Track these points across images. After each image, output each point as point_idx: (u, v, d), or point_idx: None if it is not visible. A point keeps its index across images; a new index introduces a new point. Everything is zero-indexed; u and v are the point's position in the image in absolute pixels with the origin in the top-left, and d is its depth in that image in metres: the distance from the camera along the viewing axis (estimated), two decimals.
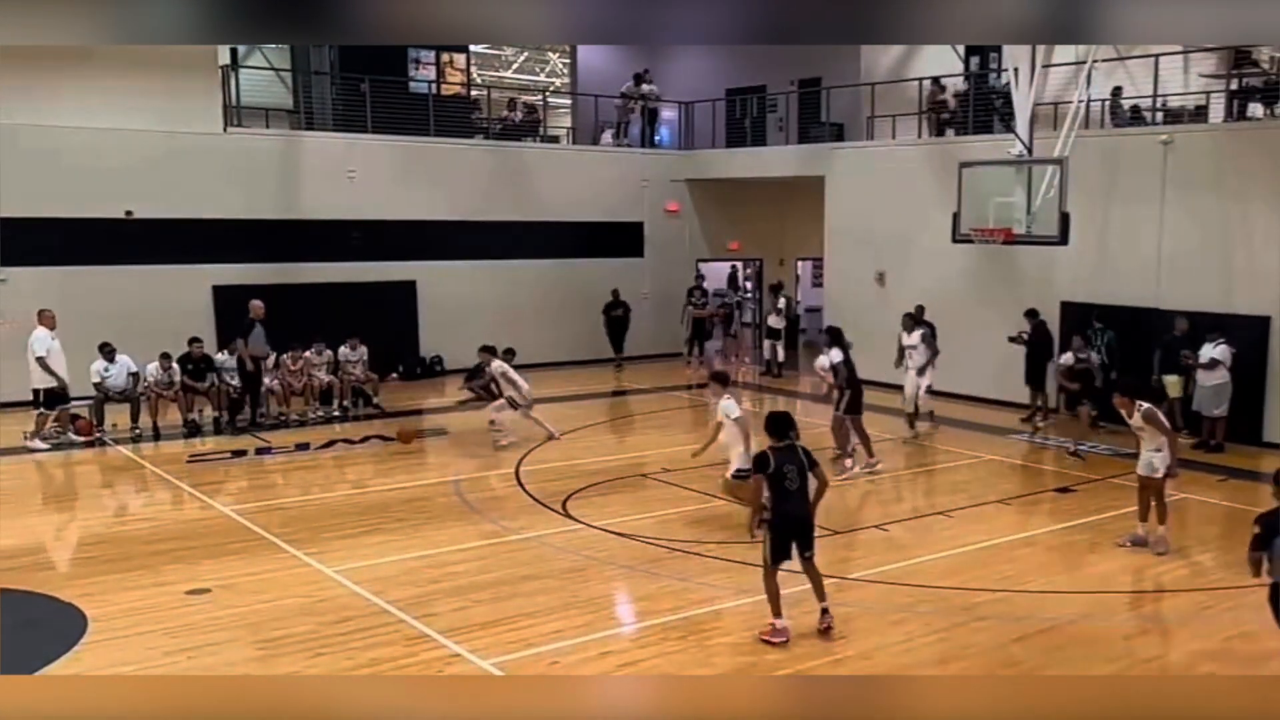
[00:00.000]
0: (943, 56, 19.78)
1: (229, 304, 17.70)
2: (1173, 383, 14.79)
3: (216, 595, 8.97)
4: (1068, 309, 16.72)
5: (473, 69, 27.66)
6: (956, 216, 15.89)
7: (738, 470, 10.61)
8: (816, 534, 8.22)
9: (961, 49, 19.54)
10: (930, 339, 15.65)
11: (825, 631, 8.06)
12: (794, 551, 7.98)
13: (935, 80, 20.03)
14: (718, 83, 24.81)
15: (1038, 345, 16.56)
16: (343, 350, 17.18)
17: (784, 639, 7.85)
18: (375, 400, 17.37)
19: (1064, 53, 17.17)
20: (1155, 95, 17.16)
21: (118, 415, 15.43)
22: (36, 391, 14.62)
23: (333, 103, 20.68)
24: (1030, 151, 15.33)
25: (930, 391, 15.76)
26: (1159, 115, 17.48)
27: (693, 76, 25.74)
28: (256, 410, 16.07)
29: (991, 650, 7.94)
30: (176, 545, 10.40)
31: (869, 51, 21.71)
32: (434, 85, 22.14)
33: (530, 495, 12.30)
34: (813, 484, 8.11)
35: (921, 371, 15.51)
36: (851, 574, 9.50)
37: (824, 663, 7.67)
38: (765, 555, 7.94)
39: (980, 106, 18.97)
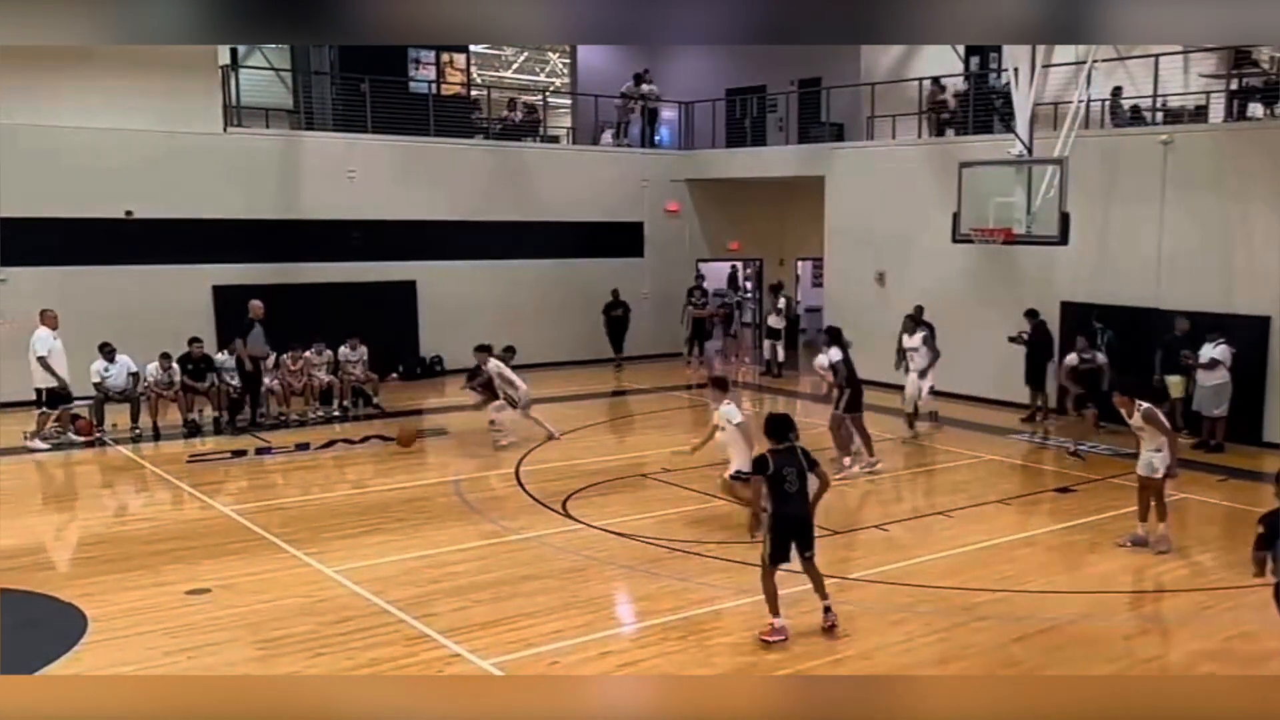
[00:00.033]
0: (943, 56, 19.79)
1: (229, 304, 17.70)
2: (1175, 383, 14.78)
3: (216, 595, 8.97)
4: (1068, 309, 16.72)
5: (473, 69, 27.66)
6: (956, 216, 15.90)
7: (737, 472, 10.61)
8: (816, 534, 8.22)
9: (961, 49, 19.54)
10: (931, 341, 15.64)
11: (829, 629, 8.07)
12: (793, 553, 7.98)
13: (935, 80, 20.04)
14: (718, 83, 24.81)
15: (1038, 345, 16.57)
16: (343, 350, 17.18)
17: (783, 638, 7.85)
18: (375, 400, 17.38)
19: (1064, 53, 17.18)
20: (1155, 95, 17.16)
21: (118, 415, 15.43)
22: (39, 391, 14.63)
23: (333, 103, 20.68)
24: (1030, 151, 15.33)
25: (932, 392, 15.74)
26: (1159, 115, 17.48)
27: (693, 76, 25.74)
28: (257, 410, 16.08)
29: (991, 650, 7.94)
30: (176, 545, 10.41)
31: (869, 51, 21.72)
32: (434, 85, 22.15)
33: (530, 495, 12.30)
34: (813, 485, 8.11)
35: (924, 374, 15.47)
36: (851, 574, 9.50)
37: (824, 663, 7.67)
38: (764, 556, 7.95)
39: (980, 106, 18.97)
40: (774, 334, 21.81)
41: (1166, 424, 10.19)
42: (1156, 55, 16.61)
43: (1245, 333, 14.62)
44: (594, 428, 16.68)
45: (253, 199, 18.90)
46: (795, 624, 8.12)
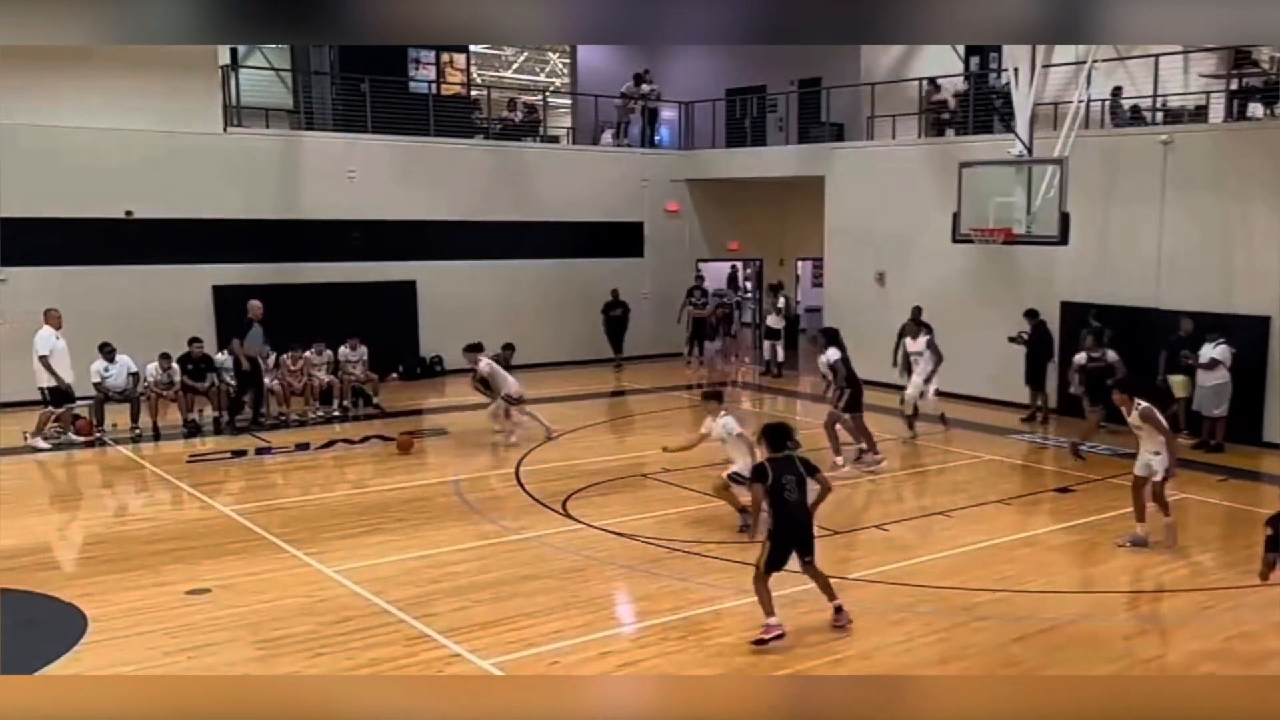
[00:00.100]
0: (943, 56, 19.79)
1: (229, 304, 17.69)
2: (1179, 383, 14.77)
3: (216, 595, 8.97)
4: (1068, 309, 16.73)
5: (473, 69, 27.67)
6: (956, 216, 15.89)
7: (735, 473, 10.63)
8: (816, 534, 8.23)
9: (961, 49, 19.55)
10: (935, 344, 15.54)
11: (842, 628, 8.09)
12: (792, 558, 7.98)
13: (931, 80, 20.06)
14: (718, 83, 24.81)
15: (1038, 345, 16.57)
16: (343, 350, 17.18)
17: (779, 634, 7.84)
18: (375, 400, 17.37)
19: (1064, 53, 17.18)
20: (1155, 95, 17.17)
21: (118, 415, 15.43)
22: (43, 390, 14.64)
23: (333, 103, 20.68)
24: (1030, 151, 15.33)
25: (937, 393, 15.67)
26: (1159, 115, 17.49)
27: (693, 76, 25.74)
28: (259, 410, 16.09)
29: (991, 650, 7.94)
30: (176, 545, 10.40)
31: (869, 51, 21.71)
32: (434, 85, 22.14)
33: (530, 495, 12.30)
34: (813, 491, 8.12)
35: (929, 379, 15.39)
36: (852, 574, 9.50)
37: (824, 663, 7.67)
38: (760, 561, 7.94)
39: (980, 106, 18.98)
40: (773, 334, 21.81)
41: (1165, 424, 10.19)
42: (1156, 55, 16.62)
43: (1245, 333, 14.62)
44: (594, 428, 16.67)
45: (253, 199, 18.90)
46: (795, 624, 8.13)
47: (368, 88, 20.21)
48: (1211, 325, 14.59)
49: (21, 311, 15.88)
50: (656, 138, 25.07)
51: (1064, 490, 12.71)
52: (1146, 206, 15.93)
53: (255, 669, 7.59)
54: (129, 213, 17.81)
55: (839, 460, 13.34)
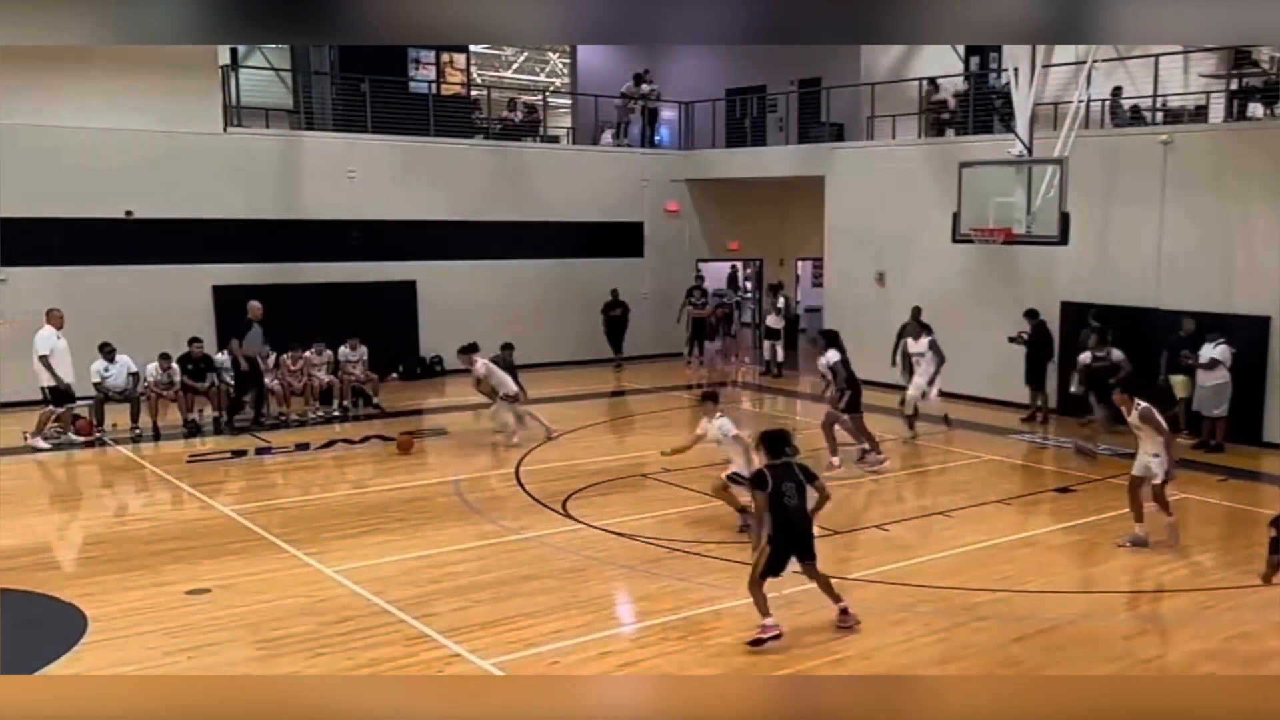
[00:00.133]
0: (943, 56, 19.80)
1: (229, 304, 17.70)
2: (1180, 383, 14.76)
3: (216, 595, 8.97)
4: (1068, 309, 16.73)
5: (473, 69, 27.67)
6: (956, 216, 15.89)
7: (734, 474, 10.63)
8: (817, 534, 8.24)
9: (961, 49, 19.55)
10: (938, 345, 15.48)
11: (848, 628, 8.10)
12: (790, 563, 7.98)
13: (930, 81, 20.06)
14: (718, 83, 24.81)
15: (1038, 345, 16.56)
16: (343, 350, 17.18)
17: (775, 634, 7.83)
18: (375, 400, 17.38)
19: (1064, 53, 17.18)
20: (1155, 95, 17.17)
21: (118, 415, 15.43)
22: (44, 389, 14.65)
23: (333, 103, 20.68)
24: (1030, 151, 15.33)
25: (940, 394, 15.62)
26: (1159, 115, 17.50)
27: (693, 76, 25.74)
28: (260, 410, 16.09)
29: (992, 650, 7.94)
30: (176, 545, 10.40)
31: (869, 51, 21.71)
32: (434, 85, 22.14)
33: (530, 495, 12.30)
34: (812, 497, 8.12)
35: (932, 380, 15.31)
36: (852, 574, 9.50)
37: (824, 663, 7.67)
38: (758, 566, 7.93)
39: (980, 106, 18.98)
40: (773, 334, 21.81)
41: (1164, 426, 10.18)
42: (1156, 55, 16.62)
43: (1245, 333, 14.62)
44: (594, 428, 16.68)
45: (253, 199, 18.90)
46: (794, 624, 8.13)
47: (368, 88, 20.21)
48: (1211, 325, 14.59)
49: (21, 311, 15.89)
50: (656, 138, 25.07)
51: (1064, 490, 12.72)
52: (1146, 206, 15.93)
53: (255, 669, 7.59)
54: (129, 213, 17.81)
55: (835, 460, 13.36)
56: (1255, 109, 17.22)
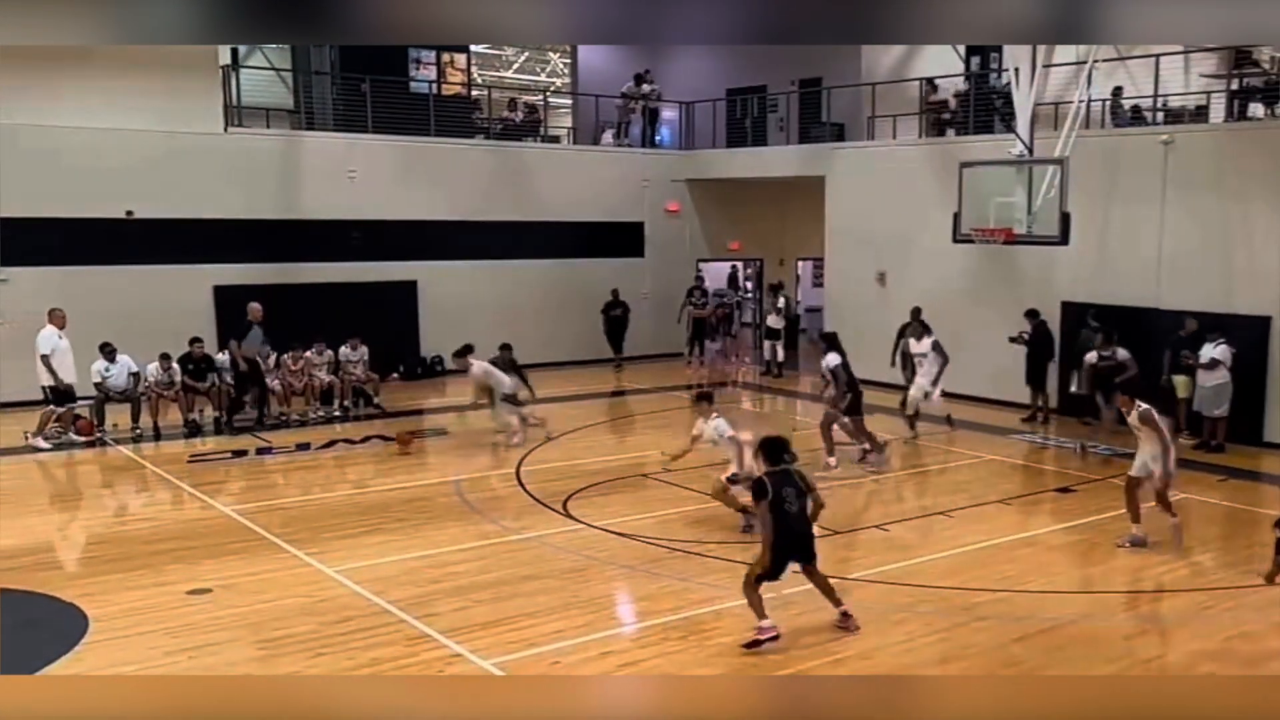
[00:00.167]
0: (943, 56, 19.80)
1: (229, 304, 17.70)
2: (1182, 383, 14.75)
3: (217, 595, 8.97)
4: (1068, 309, 16.73)
5: (473, 69, 27.68)
6: (957, 216, 15.89)
7: (733, 475, 10.63)
8: (817, 534, 8.24)
9: (962, 49, 19.56)
10: (941, 346, 15.45)
11: (847, 629, 8.10)
12: (790, 566, 7.98)
13: (929, 81, 20.06)
14: (718, 83, 24.81)
15: (1038, 345, 16.55)
16: (343, 350, 17.18)
17: (773, 635, 7.83)
18: (376, 400, 17.38)
19: (1064, 53, 17.18)
20: (1156, 95, 17.17)
21: (118, 415, 15.43)
22: (45, 389, 14.65)
23: (333, 103, 20.68)
24: (1031, 151, 15.33)
25: (943, 395, 15.58)
26: (1159, 115, 17.49)
27: (693, 76, 25.74)
28: (263, 411, 16.10)
29: (992, 650, 7.94)
30: (177, 545, 10.40)
31: (869, 51, 21.71)
32: (435, 85, 22.14)
33: (531, 495, 12.30)
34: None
35: (935, 381, 15.29)
36: (852, 574, 9.50)
37: (824, 663, 7.67)
38: (755, 569, 7.92)
39: (981, 106, 18.97)
40: (773, 334, 21.81)
41: (1164, 429, 10.15)
42: (1157, 55, 16.62)
43: (1246, 333, 14.62)
44: (594, 428, 16.68)
45: (253, 199, 18.90)
46: (793, 625, 8.13)
47: (368, 88, 20.21)
48: (1212, 325, 14.59)
49: (22, 311, 15.91)
50: (657, 138, 25.07)
51: (1065, 490, 12.72)
52: (1147, 206, 15.93)
53: (256, 669, 7.60)
54: (130, 213, 17.80)
55: (831, 461, 13.37)
56: (1256, 109, 17.23)
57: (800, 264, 26.71)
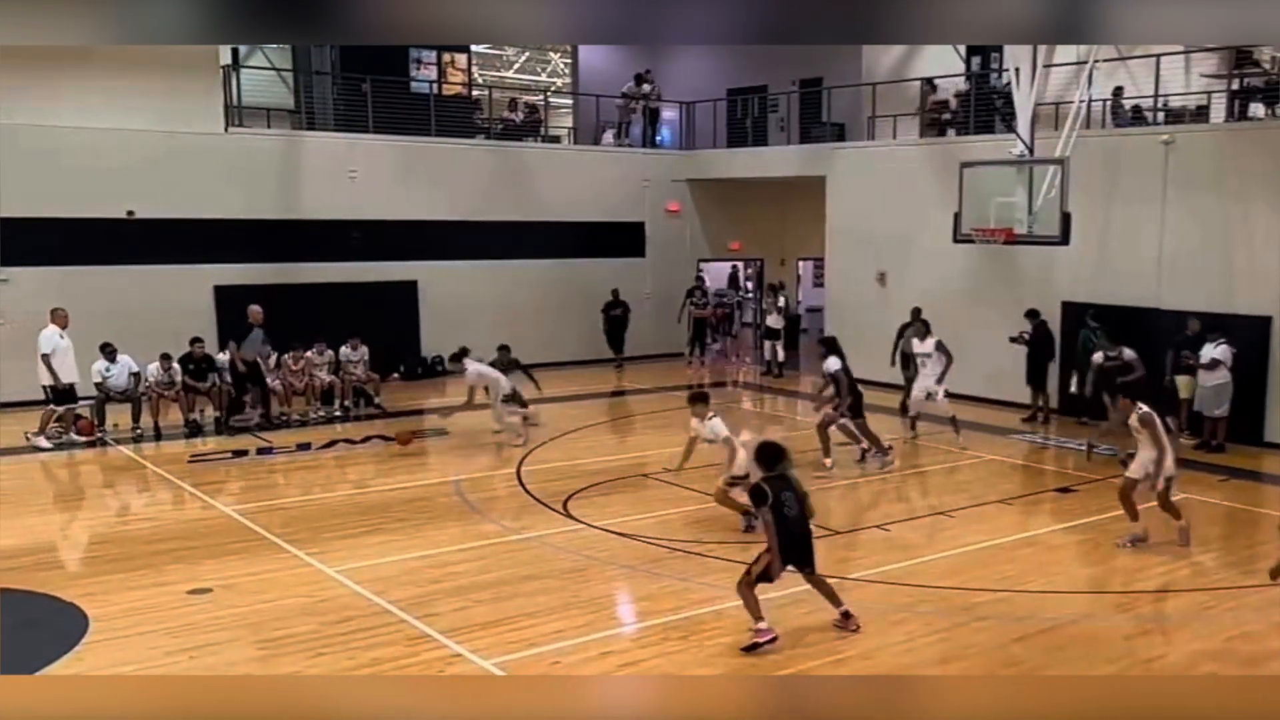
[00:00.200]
0: (943, 56, 19.80)
1: (230, 304, 17.72)
2: (1185, 383, 14.74)
3: (218, 595, 8.97)
4: (1068, 309, 16.73)
5: (474, 69, 27.69)
6: (957, 216, 15.88)
7: (732, 476, 10.63)
8: (817, 534, 8.23)
9: (962, 49, 19.55)
10: (945, 345, 15.38)
11: (851, 630, 8.09)
12: (788, 571, 7.99)
13: (929, 81, 20.05)
14: (719, 83, 24.82)
15: (1039, 345, 16.55)
16: (344, 350, 17.19)
17: (771, 637, 7.83)
18: (376, 400, 17.38)
19: (1065, 53, 17.18)
20: (1156, 95, 17.17)
21: (119, 415, 15.44)
22: (46, 388, 14.66)
23: (334, 103, 20.69)
24: (1031, 151, 15.32)
25: (947, 395, 15.50)
26: (1160, 115, 17.49)
27: (694, 76, 25.75)
28: (265, 412, 16.10)
29: (992, 650, 7.94)
30: (178, 545, 10.41)
31: (870, 51, 21.72)
32: (435, 85, 22.15)
33: (531, 495, 12.30)
34: None
35: (940, 380, 15.23)
36: (852, 574, 9.50)
37: (824, 663, 7.67)
38: (754, 572, 7.92)
39: (981, 106, 18.97)
40: (774, 334, 21.81)
41: (1163, 434, 10.12)
42: (1158, 55, 16.62)
43: (1246, 333, 14.62)
44: (594, 428, 16.68)
45: (254, 199, 18.91)
46: (795, 624, 8.13)
47: (369, 88, 20.22)
48: (1212, 325, 14.58)
49: (22, 311, 15.92)
50: (658, 138, 25.08)
51: (1065, 490, 12.72)
52: (1147, 206, 15.93)
53: (256, 669, 7.60)
54: (130, 213, 17.81)
55: (828, 462, 13.37)
56: (1256, 109, 17.23)
57: (801, 264, 26.72)
